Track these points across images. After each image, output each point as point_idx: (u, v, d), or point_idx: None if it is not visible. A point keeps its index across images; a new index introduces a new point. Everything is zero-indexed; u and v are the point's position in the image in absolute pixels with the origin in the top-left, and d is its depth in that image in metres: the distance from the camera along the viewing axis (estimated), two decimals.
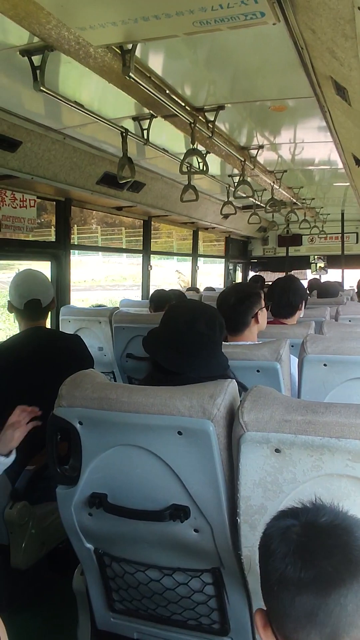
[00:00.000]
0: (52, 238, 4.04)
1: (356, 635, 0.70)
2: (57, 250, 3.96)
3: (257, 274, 8.04)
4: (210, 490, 1.36)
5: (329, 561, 0.72)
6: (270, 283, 6.01)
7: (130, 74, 1.87)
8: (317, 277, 7.93)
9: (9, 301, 2.38)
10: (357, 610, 0.70)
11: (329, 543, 0.74)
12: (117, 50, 1.83)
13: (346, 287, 7.30)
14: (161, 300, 4.18)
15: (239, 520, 1.31)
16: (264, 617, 0.80)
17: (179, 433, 1.35)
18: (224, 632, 1.57)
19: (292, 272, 8.42)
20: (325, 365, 2.08)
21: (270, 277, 8.31)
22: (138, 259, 5.43)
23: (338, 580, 0.71)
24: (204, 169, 2.88)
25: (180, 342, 1.62)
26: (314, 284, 6.01)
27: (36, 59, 1.97)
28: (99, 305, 4.40)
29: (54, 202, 3.97)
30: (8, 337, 2.46)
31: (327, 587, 0.71)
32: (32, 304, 2.32)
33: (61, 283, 4.02)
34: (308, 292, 5.21)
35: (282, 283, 3.01)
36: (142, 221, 5.25)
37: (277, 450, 1.23)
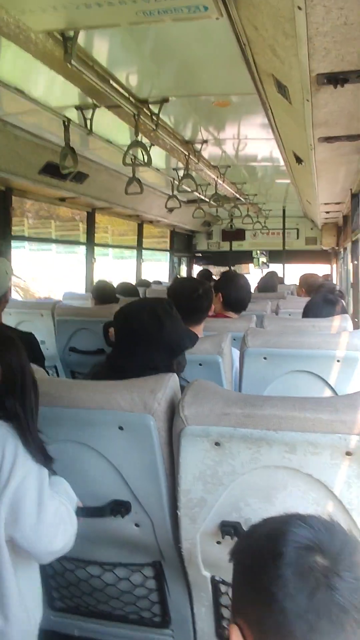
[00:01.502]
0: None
1: None
2: None
3: (205, 268, 8.10)
4: (151, 484, 1.36)
5: (356, 607, 0.66)
6: (216, 278, 6.10)
7: (72, 61, 1.82)
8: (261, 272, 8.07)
9: None
10: None
11: (352, 586, 0.66)
12: (59, 36, 1.78)
13: (287, 282, 7.49)
14: (104, 293, 4.13)
15: (179, 513, 1.32)
16: (240, 635, 0.71)
17: (120, 428, 1.34)
18: (165, 624, 1.58)
19: (236, 267, 8.56)
20: (265, 358, 2.12)
21: (214, 271, 8.40)
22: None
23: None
24: (148, 161, 2.86)
25: (120, 340, 1.64)
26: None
27: None
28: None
29: None
30: None
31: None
32: None
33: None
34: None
35: (236, 279, 3.03)
36: (84, 213, 5.17)
37: (217, 444, 1.24)
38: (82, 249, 5.38)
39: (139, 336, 1.60)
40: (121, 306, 1.75)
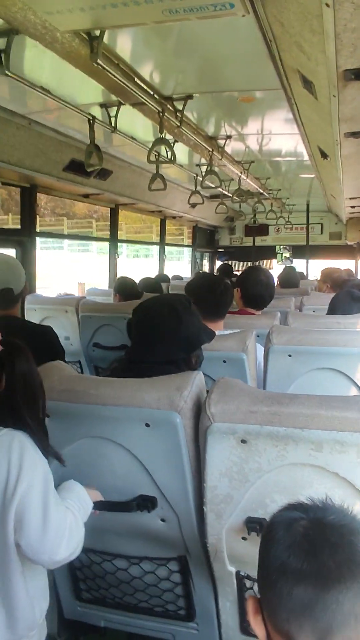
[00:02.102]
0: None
1: (348, 634, 0.70)
2: (22, 238, 3.88)
3: (225, 263, 8.08)
4: (177, 480, 1.38)
5: (333, 558, 0.72)
6: (238, 272, 6.07)
7: (98, 60, 1.84)
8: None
9: None
10: (352, 611, 0.71)
11: (334, 541, 0.74)
12: (85, 36, 1.80)
13: (311, 277, 7.43)
14: (127, 289, 4.15)
15: (205, 509, 1.34)
16: (255, 603, 0.80)
17: (147, 425, 1.36)
18: (190, 617, 1.60)
19: (259, 262, 8.51)
20: (290, 355, 2.12)
21: (237, 266, 8.38)
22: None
23: (339, 577, 0.71)
24: (172, 158, 2.87)
25: (165, 334, 1.63)
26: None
27: (1, 42, 1.92)
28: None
29: (19, 189, 3.88)
30: None
31: (327, 582, 0.71)
32: (3, 292, 2.26)
33: (26, 271, 3.94)
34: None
35: (254, 274, 2.98)
36: (100, 211, 5.20)
37: (243, 441, 1.25)
38: (95, 247, 5.40)
39: (159, 331, 1.62)
40: (146, 303, 1.77)
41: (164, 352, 1.61)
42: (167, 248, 6.67)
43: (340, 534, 0.75)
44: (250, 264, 8.08)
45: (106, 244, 5.46)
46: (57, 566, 1.28)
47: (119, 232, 5.35)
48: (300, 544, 0.75)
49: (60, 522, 1.19)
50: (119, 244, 5.48)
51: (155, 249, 6.78)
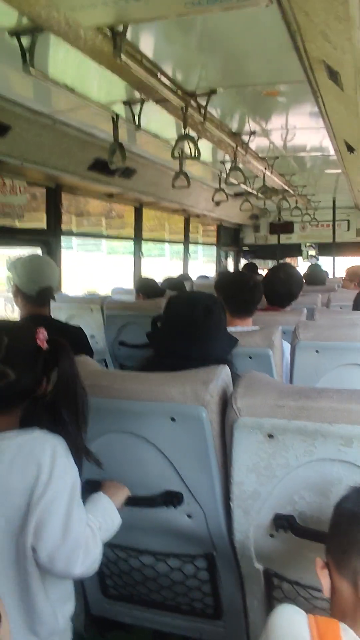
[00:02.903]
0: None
1: None
2: (48, 237, 3.92)
3: (250, 261, 8.02)
4: (204, 475, 1.36)
5: None
6: (264, 271, 6.01)
7: (122, 56, 1.84)
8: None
9: (15, 285, 2.33)
10: None
11: None
12: (108, 32, 1.80)
13: (337, 274, 7.33)
14: (149, 288, 4.17)
15: (232, 505, 1.32)
16: (321, 561, 0.97)
17: (172, 419, 1.35)
18: (217, 616, 1.58)
19: (285, 260, 8.43)
20: (317, 351, 2.09)
21: (261, 265, 8.31)
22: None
23: None
24: (196, 154, 2.85)
25: (201, 330, 1.65)
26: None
27: (26, 41, 1.93)
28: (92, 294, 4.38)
29: (44, 188, 3.92)
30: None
31: None
32: (44, 291, 2.31)
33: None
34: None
35: (277, 272, 2.98)
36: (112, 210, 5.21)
37: (270, 436, 1.23)
38: (105, 247, 5.39)
39: (202, 326, 1.64)
40: (175, 296, 1.78)
41: (208, 348, 1.63)
42: (173, 247, 6.66)
43: None
44: (275, 262, 8.01)
45: (117, 244, 5.48)
46: (71, 579, 1.25)
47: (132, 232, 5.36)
48: None
49: (80, 535, 1.16)
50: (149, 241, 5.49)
51: (168, 248, 6.77)
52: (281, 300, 2.90)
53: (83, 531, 1.18)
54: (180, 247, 6.75)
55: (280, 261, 7.67)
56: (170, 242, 7.30)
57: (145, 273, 5.18)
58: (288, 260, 8.48)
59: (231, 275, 2.59)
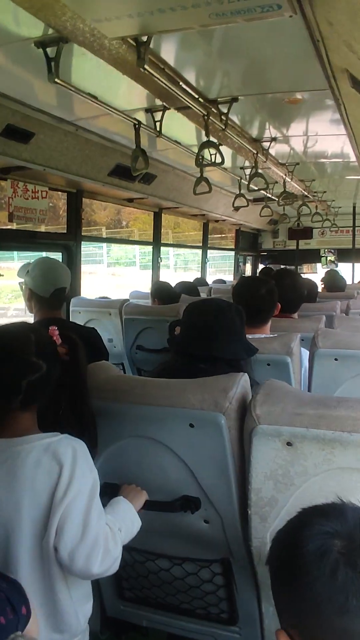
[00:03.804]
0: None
1: None
2: (68, 242, 3.97)
3: (267, 266, 8.01)
4: (221, 482, 1.38)
5: None
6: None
7: (145, 66, 1.86)
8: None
9: (29, 288, 2.36)
10: None
11: None
12: (132, 42, 1.82)
13: (357, 281, 7.27)
14: (165, 293, 4.20)
15: (249, 512, 1.33)
16: (287, 638, 0.74)
17: (191, 425, 1.36)
18: (232, 621, 1.59)
19: (304, 265, 8.40)
20: (336, 359, 2.08)
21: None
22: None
23: None
24: (220, 161, 2.87)
25: (210, 329, 1.70)
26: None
27: (51, 51, 1.97)
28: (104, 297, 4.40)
29: (66, 194, 3.97)
30: None
31: None
32: (58, 292, 2.33)
33: (72, 274, 4.02)
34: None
35: (281, 279, 2.96)
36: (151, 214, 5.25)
37: (288, 444, 1.24)
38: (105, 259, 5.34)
39: (213, 326, 1.69)
40: (198, 302, 1.85)
41: (233, 350, 1.69)
42: (180, 251, 6.63)
43: None
44: (294, 267, 7.98)
45: (122, 254, 5.49)
46: (89, 579, 1.27)
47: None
48: (352, 581, 0.68)
49: (99, 534, 1.19)
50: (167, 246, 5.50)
51: (138, 256, 6.72)
52: (291, 307, 2.88)
53: (102, 530, 1.20)
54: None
55: (282, 266, 7.61)
56: (191, 247, 7.30)
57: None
58: (306, 266, 8.45)
59: (243, 282, 2.54)
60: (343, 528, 0.73)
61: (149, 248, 5.37)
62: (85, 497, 1.17)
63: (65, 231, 4.03)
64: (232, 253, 7.97)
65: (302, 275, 3.17)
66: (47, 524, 1.16)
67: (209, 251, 6.88)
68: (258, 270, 8.45)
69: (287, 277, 2.99)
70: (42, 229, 3.79)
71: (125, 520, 1.31)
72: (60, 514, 1.15)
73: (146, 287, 4.85)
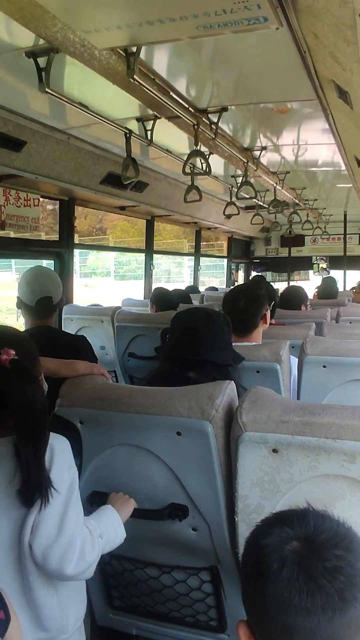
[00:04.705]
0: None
1: None
2: (61, 249, 3.98)
3: (259, 274, 8.05)
4: (209, 489, 1.38)
5: (333, 585, 0.71)
6: (273, 284, 6.02)
7: (135, 76, 1.88)
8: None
9: (18, 297, 2.37)
10: (357, 630, 0.71)
11: (332, 565, 0.72)
12: (122, 52, 1.85)
13: (348, 288, 7.32)
14: (164, 300, 4.21)
15: (236, 519, 1.33)
16: (247, 629, 0.78)
17: (178, 433, 1.37)
18: (221, 629, 1.59)
19: (295, 272, 8.44)
20: (324, 366, 2.10)
21: (270, 277, 8.33)
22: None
23: (344, 605, 0.70)
24: (207, 170, 2.90)
25: (200, 335, 1.72)
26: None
27: (41, 61, 1.99)
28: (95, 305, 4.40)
29: (58, 202, 3.99)
30: None
31: (333, 613, 0.70)
32: (43, 301, 2.33)
33: (65, 282, 4.03)
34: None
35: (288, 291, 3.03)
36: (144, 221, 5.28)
37: (274, 451, 1.25)
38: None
39: (201, 332, 1.71)
40: (188, 309, 1.88)
41: (222, 356, 1.71)
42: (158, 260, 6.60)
43: (336, 556, 0.73)
44: (286, 274, 8.03)
45: (98, 263, 5.47)
46: (64, 580, 1.25)
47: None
48: (299, 579, 0.72)
49: (75, 535, 1.18)
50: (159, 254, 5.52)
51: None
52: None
53: (79, 532, 1.20)
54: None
55: (273, 274, 7.64)
56: (181, 254, 7.32)
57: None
58: (297, 273, 8.50)
59: (227, 294, 2.50)
60: (302, 532, 0.76)
61: (126, 257, 5.40)
62: (62, 496, 1.17)
63: (58, 239, 4.04)
64: (222, 261, 8.00)
65: (291, 282, 3.22)
66: (24, 522, 1.16)
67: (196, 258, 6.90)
68: (250, 277, 8.49)
69: (287, 293, 3.04)
70: (43, 236, 3.78)
71: (108, 528, 1.31)
72: (37, 512, 1.15)
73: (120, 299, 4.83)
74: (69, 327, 3.76)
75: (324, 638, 0.70)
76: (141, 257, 5.39)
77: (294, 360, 2.26)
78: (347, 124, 2.50)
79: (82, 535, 1.21)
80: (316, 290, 5.45)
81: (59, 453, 1.19)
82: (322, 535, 0.75)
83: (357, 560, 0.73)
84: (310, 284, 6.76)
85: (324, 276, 7.47)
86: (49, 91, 2.07)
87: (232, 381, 1.42)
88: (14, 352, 1.18)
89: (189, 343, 1.70)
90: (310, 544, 0.74)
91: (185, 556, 1.54)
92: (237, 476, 1.30)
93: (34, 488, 1.13)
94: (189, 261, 7.95)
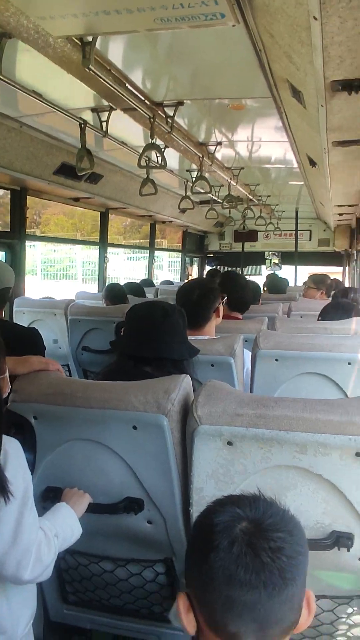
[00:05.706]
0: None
1: (284, 625, 0.79)
2: (12, 240, 3.88)
3: (214, 268, 8.11)
4: (164, 482, 1.39)
5: (276, 564, 0.77)
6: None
7: (90, 66, 1.86)
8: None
9: None
10: (292, 607, 0.79)
11: (276, 546, 0.78)
12: (77, 41, 1.82)
13: (299, 283, 7.49)
14: (117, 294, 4.19)
15: (191, 511, 1.35)
16: (187, 601, 0.83)
17: (134, 427, 1.37)
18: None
19: (248, 267, 8.56)
20: (276, 360, 2.14)
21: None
22: None
23: (283, 583, 0.77)
24: (162, 163, 2.89)
25: (157, 331, 1.72)
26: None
27: None
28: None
29: (9, 191, 3.89)
30: None
31: (273, 589, 0.76)
32: (3, 292, 2.27)
33: (16, 274, 3.93)
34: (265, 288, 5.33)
35: (238, 279, 3.08)
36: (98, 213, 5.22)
37: (229, 443, 1.27)
38: None
39: (159, 328, 1.71)
40: (144, 304, 1.86)
41: (178, 351, 1.73)
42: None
43: (280, 538, 0.79)
44: (239, 269, 8.12)
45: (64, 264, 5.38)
46: (22, 585, 1.23)
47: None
48: (246, 555, 0.78)
49: (31, 540, 1.16)
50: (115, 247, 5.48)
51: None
52: (242, 307, 3.01)
53: (35, 537, 1.18)
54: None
55: (228, 269, 7.73)
56: (137, 248, 7.29)
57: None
58: (249, 268, 8.63)
59: (181, 287, 2.50)
60: (252, 514, 0.82)
61: (58, 255, 5.31)
62: (17, 501, 1.13)
63: (9, 229, 3.94)
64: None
65: (246, 277, 3.29)
66: None
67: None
68: (205, 272, 8.55)
69: (235, 279, 3.07)
70: None
71: (63, 526, 1.29)
72: None
73: None
74: (21, 320, 3.68)
75: (263, 611, 0.77)
76: (88, 251, 5.31)
77: (247, 354, 2.30)
78: (301, 124, 2.55)
79: (37, 539, 1.18)
80: (265, 287, 5.55)
81: (13, 457, 1.15)
82: (270, 519, 0.81)
83: (297, 544, 0.80)
84: (261, 279, 6.87)
85: (269, 272, 7.62)
86: (1, 77, 2.01)
87: (188, 375, 1.43)
88: None
89: (146, 340, 1.70)
90: (258, 525, 0.80)
91: (140, 549, 1.54)
92: (193, 469, 1.31)
93: None
94: (123, 252, 7.81)
